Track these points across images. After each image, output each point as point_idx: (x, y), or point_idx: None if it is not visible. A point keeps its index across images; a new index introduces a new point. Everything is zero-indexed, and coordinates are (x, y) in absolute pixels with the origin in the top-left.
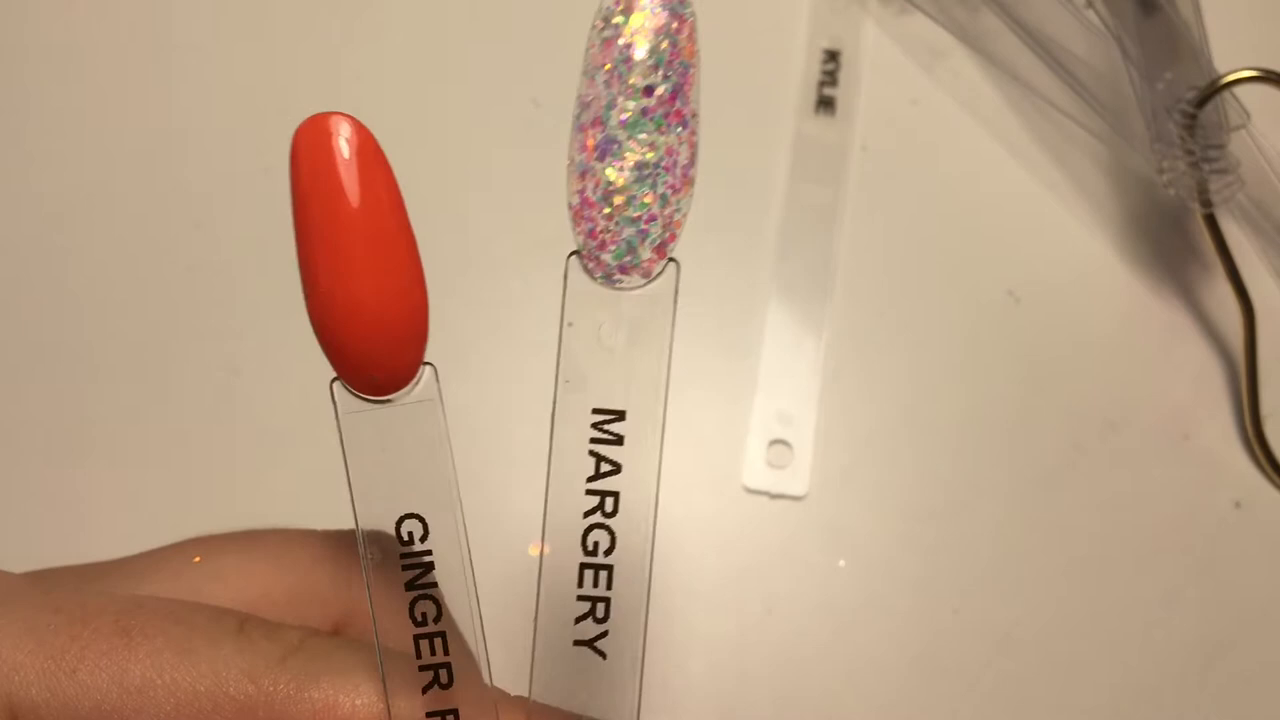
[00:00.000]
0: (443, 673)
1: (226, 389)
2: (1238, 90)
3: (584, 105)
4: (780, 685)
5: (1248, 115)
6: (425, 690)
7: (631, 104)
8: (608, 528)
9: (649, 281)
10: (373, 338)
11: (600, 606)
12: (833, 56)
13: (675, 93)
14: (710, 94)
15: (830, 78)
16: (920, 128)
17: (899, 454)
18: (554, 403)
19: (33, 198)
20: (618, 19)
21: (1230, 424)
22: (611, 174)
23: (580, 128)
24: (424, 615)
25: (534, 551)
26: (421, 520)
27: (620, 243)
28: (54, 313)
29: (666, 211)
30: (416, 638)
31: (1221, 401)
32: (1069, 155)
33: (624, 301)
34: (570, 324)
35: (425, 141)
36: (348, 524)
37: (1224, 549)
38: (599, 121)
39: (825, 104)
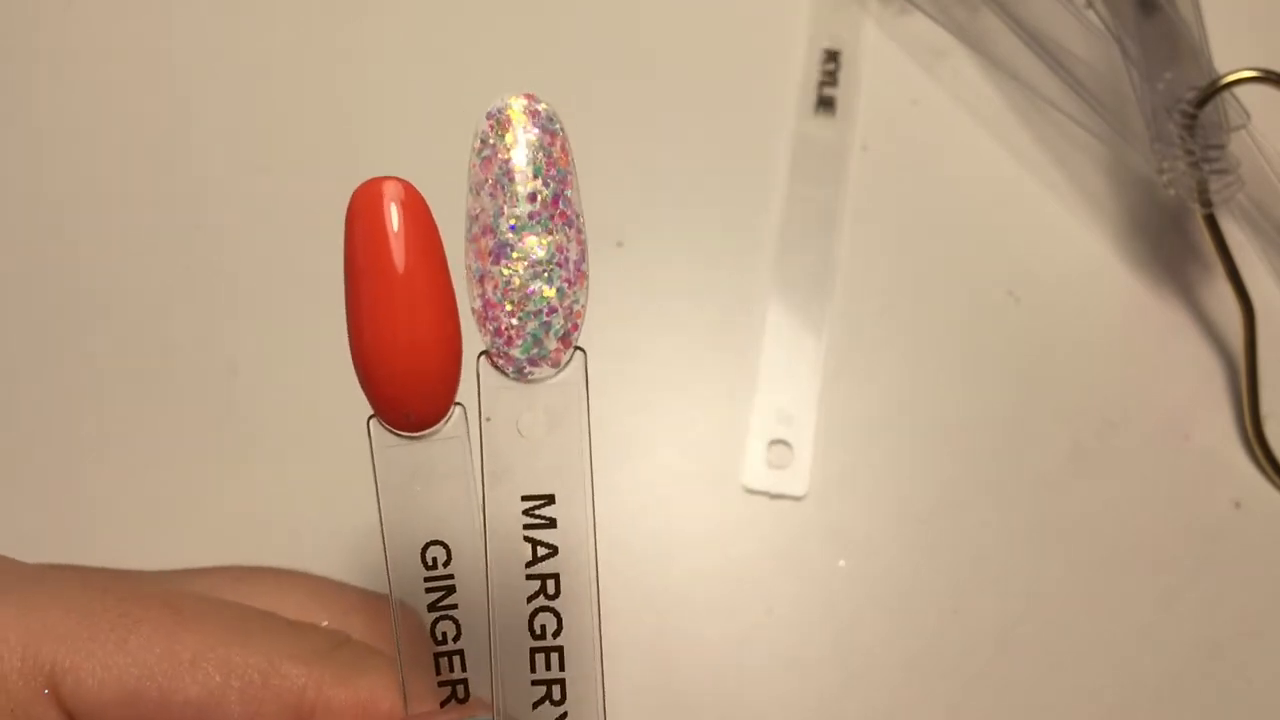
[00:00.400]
0: (459, 688)
1: (225, 389)
2: (1238, 90)
3: (473, 218)
4: (780, 685)
5: (1248, 115)
6: (443, 705)
7: (518, 210)
8: (552, 609)
9: (559, 370)
10: (413, 383)
11: (556, 689)
12: (833, 56)
13: (556, 197)
14: (710, 94)
15: (830, 78)
16: (920, 128)
17: (899, 454)
18: (482, 496)
19: (33, 198)
20: (493, 139)
21: (1230, 424)
22: (508, 273)
23: (473, 238)
24: (444, 634)
25: None
26: (445, 547)
27: (526, 337)
28: (54, 312)
29: (565, 304)
30: (436, 655)
31: (1221, 401)
32: (1069, 155)
33: (538, 392)
34: (489, 419)
35: (424, 141)
36: (344, 527)
37: (1224, 549)
38: (490, 230)
39: (825, 104)
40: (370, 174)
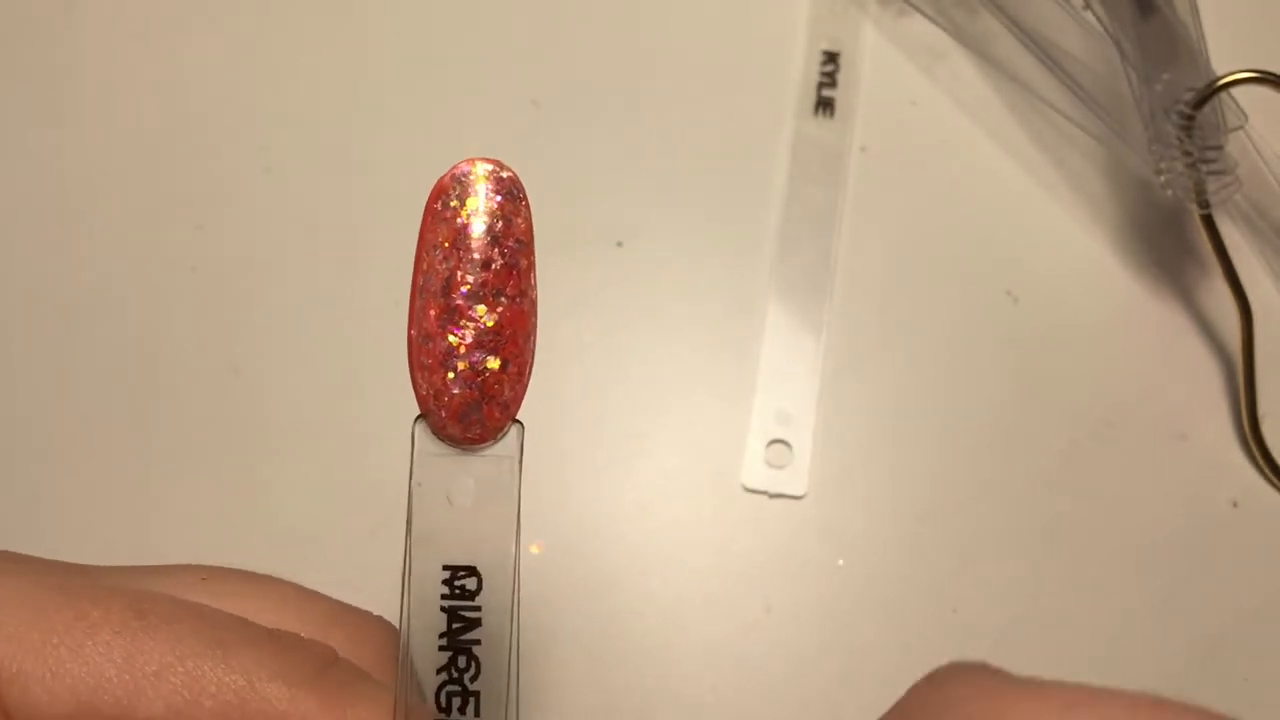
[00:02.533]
0: None
1: (227, 389)
2: (1235, 91)
3: (425, 277)
4: (780, 685)
5: (1245, 116)
6: None
7: (471, 277)
8: (461, 685)
9: (495, 442)
10: (486, 386)
11: None
12: (832, 58)
13: (512, 268)
14: (710, 95)
15: (829, 79)
16: (919, 129)
17: (897, 453)
18: (407, 563)
19: (35, 198)
20: (454, 201)
21: (1227, 424)
22: (454, 340)
23: (423, 298)
24: (458, 671)
25: (536, 550)
26: (478, 575)
27: (466, 407)
28: (55, 313)
29: (509, 377)
30: (448, 692)
31: (1218, 401)
32: (1067, 156)
33: (472, 462)
34: (420, 484)
35: (423, 141)
36: (344, 527)
37: (1221, 549)
38: (440, 292)
39: (824, 105)
40: (368, 174)
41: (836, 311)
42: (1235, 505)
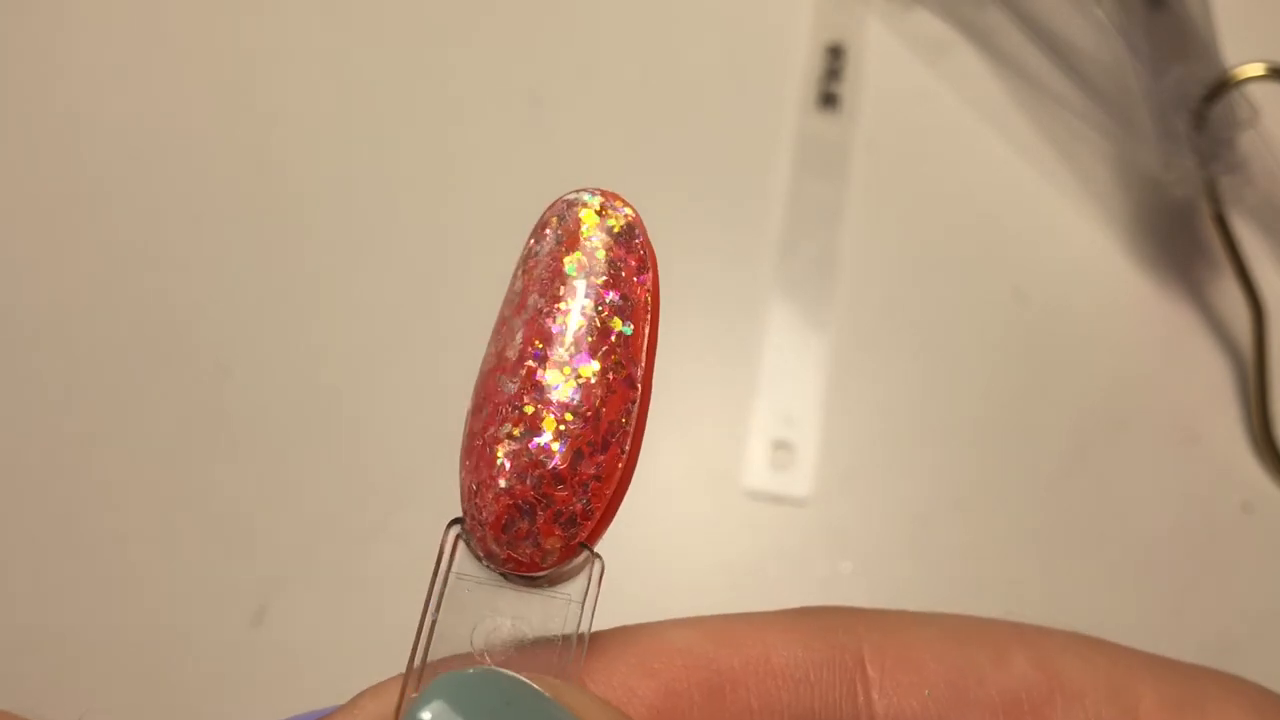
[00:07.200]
0: None
1: (217, 389)
2: (1246, 87)
3: (499, 333)
4: None
5: (1257, 112)
6: None
7: (552, 340)
8: None
9: (550, 573)
10: (537, 496)
11: None
12: (837, 53)
13: (605, 332)
14: (715, 91)
15: (835, 74)
16: (925, 124)
17: (903, 455)
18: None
19: (26, 197)
20: (550, 241)
21: (1238, 425)
22: (511, 411)
23: (492, 358)
24: None
25: None
26: None
27: (512, 511)
28: (48, 312)
29: (581, 478)
30: None
31: (1229, 402)
32: (1076, 152)
33: (512, 597)
34: (438, 612)
35: (423, 141)
36: (341, 529)
37: (1232, 551)
38: (513, 355)
39: (829, 100)
40: (364, 174)
41: (841, 309)
42: (1246, 507)
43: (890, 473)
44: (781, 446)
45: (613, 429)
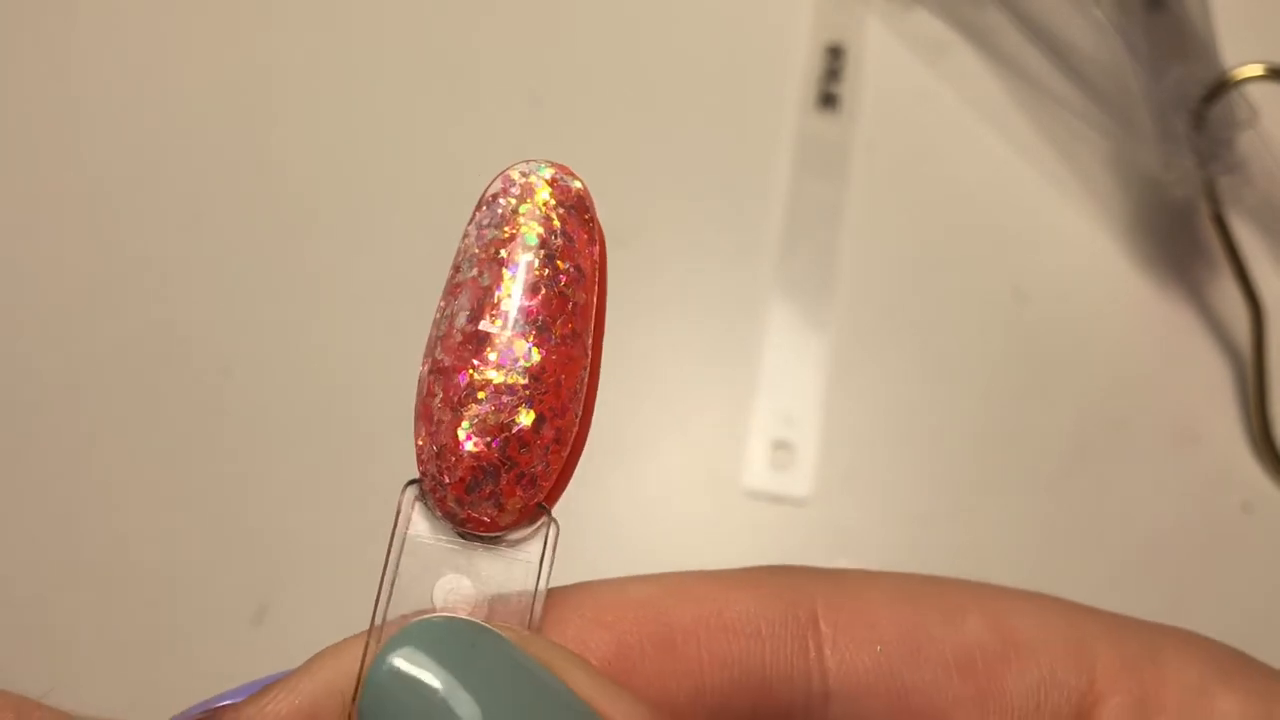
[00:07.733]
0: None
1: (217, 389)
2: (1245, 87)
3: (453, 297)
4: None
5: (1255, 113)
6: None
7: (510, 301)
8: None
9: (508, 533)
10: (501, 457)
11: None
12: (837, 53)
13: (564, 299)
14: (714, 91)
15: (834, 74)
16: (925, 124)
17: (903, 454)
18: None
19: (27, 197)
20: (503, 208)
21: (1238, 425)
22: (476, 378)
23: (445, 322)
24: None
25: None
26: None
27: (477, 472)
28: (48, 312)
29: (543, 439)
30: None
31: (1229, 402)
32: (1075, 152)
33: (475, 557)
34: (400, 573)
35: (422, 141)
36: (343, 528)
37: (1231, 551)
38: (468, 317)
39: (829, 100)
40: (364, 174)
41: (841, 309)
42: (1246, 507)
43: (890, 473)
44: (781, 446)
45: (571, 395)
